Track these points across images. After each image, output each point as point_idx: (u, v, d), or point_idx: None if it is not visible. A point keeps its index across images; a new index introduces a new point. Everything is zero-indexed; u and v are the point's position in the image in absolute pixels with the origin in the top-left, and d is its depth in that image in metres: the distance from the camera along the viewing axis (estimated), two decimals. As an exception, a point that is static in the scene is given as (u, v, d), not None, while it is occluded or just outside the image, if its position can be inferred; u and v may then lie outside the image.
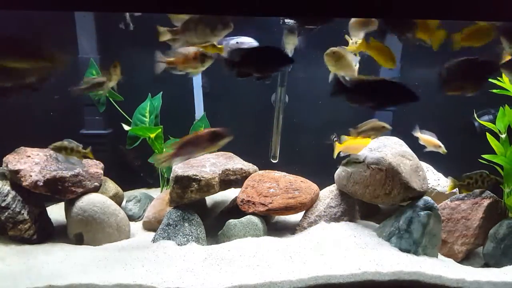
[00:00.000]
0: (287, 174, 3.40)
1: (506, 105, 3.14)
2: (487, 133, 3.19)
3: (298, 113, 4.29)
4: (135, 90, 4.02)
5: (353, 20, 2.62)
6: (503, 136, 3.15)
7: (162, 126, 3.84)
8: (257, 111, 4.38)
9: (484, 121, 3.39)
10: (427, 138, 3.31)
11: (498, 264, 2.86)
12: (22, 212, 2.97)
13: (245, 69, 2.39)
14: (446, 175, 3.59)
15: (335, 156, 3.01)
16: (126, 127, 3.82)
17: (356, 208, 3.27)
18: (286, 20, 4.03)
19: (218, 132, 2.44)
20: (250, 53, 2.43)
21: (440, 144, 3.28)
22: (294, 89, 4.15)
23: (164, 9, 2.08)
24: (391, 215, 3.02)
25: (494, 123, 3.20)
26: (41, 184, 2.98)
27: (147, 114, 3.93)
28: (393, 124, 4.21)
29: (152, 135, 3.80)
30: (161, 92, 3.96)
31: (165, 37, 2.40)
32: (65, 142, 2.86)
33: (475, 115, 3.61)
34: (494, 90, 3.13)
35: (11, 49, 1.71)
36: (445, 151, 3.26)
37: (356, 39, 2.71)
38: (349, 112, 3.49)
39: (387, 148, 3.05)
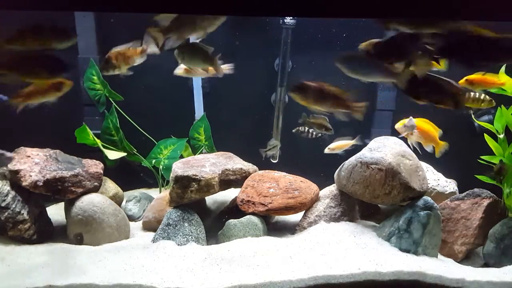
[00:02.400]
0: (287, 174, 3.40)
1: (502, 106, 3.14)
2: (485, 134, 3.19)
3: (298, 112, 4.30)
4: (135, 90, 4.03)
5: None
6: (501, 136, 3.15)
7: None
8: (257, 111, 4.39)
9: (483, 121, 3.39)
10: (339, 144, 3.49)
11: (498, 264, 2.86)
12: (22, 212, 2.96)
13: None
14: (446, 175, 3.59)
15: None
16: (76, 132, 3.72)
17: (356, 208, 3.27)
18: (286, 21, 4.04)
19: None
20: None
21: (350, 142, 3.48)
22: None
23: (163, 9, 2.08)
24: (391, 215, 3.02)
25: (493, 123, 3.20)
26: (41, 184, 2.98)
27: (114, 133, 3.87)
28: (393, 124, 4.21)
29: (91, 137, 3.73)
30: (113, 105, 3.87)
31: None
32: None
33: (474, 116, 3.61)
34: (493, 90, 3.12)
35: None
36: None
37: None
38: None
39: (387, 148, 3.04)
